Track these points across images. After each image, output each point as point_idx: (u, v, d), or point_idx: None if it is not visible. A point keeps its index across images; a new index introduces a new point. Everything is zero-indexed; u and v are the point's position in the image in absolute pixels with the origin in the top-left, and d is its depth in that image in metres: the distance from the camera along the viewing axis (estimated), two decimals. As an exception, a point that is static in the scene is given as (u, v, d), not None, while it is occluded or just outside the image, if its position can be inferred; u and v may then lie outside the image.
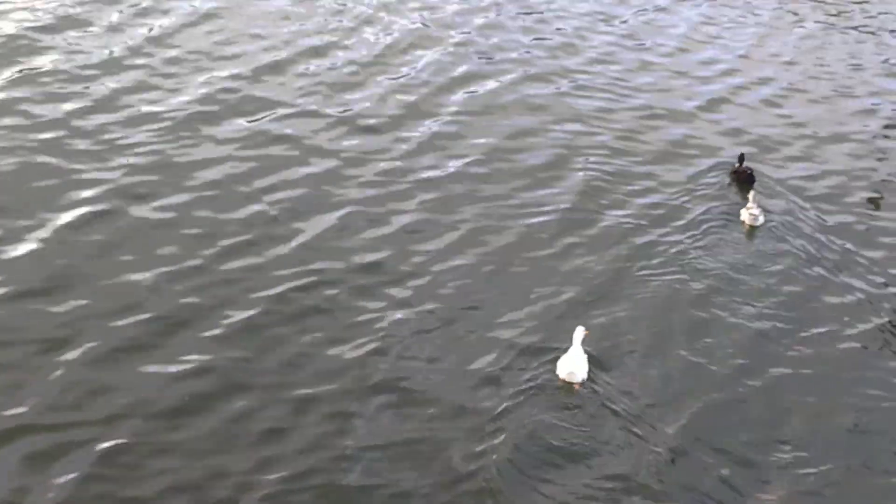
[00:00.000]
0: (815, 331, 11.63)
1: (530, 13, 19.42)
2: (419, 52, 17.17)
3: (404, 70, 16.58)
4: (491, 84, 16.52)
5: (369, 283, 11.59)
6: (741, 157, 14.34)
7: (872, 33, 20.23)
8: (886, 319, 11.92)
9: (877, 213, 14.12)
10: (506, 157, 14.53)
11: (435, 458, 9.43)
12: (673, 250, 12.73)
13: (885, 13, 21.23)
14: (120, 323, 10.58)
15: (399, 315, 11.14)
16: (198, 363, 10.23)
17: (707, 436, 9.97)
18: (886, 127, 16.55)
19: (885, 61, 19.05)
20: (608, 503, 9.17)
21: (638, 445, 9.74)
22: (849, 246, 13.18)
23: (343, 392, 10.07)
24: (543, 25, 19.00)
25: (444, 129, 14.93)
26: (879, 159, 15.60)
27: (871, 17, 21.02)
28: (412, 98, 15.68)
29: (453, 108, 15.52)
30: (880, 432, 10.38)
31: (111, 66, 15.57)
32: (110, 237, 11.82)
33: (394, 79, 16.23)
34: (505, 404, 10.04)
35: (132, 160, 13.27)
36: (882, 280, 12.65)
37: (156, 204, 12.49)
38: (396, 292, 11.50)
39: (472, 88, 16.23)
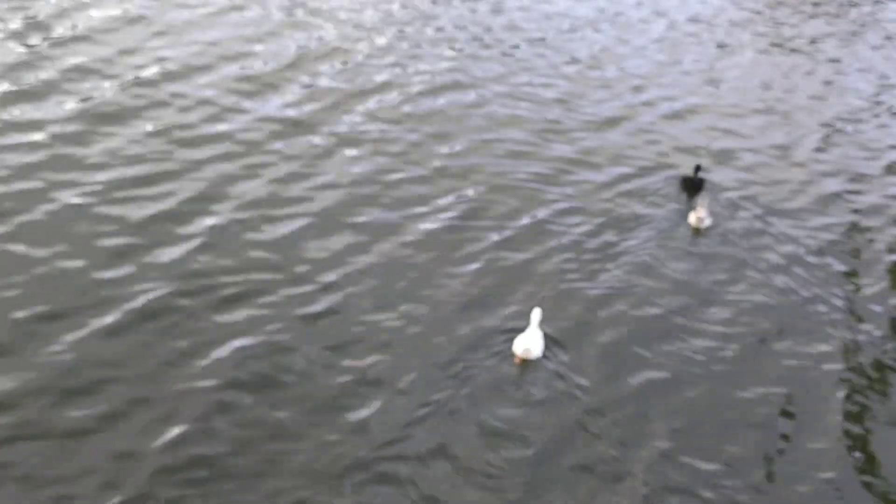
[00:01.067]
0: (749, 326, 12.50)
1: (462, 26, 20.22)
2: (334, 60, 17.91)
3: (317, 77, 17.32)
4: (416, 89, 17.37)
5: (263, 281, 12.14)
6: (697, 168, 15.20)
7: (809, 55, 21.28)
8: (820, 317, 12.81)
9: (816, 221, 14.97)
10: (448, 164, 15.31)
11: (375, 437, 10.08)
12: (618, 249, 13.61)
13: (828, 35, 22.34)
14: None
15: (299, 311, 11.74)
16: (61, 364, 10.51)
17: (651, 416, 10.79)
18: (824, 144, 17.46)
19: (824, 81, 20.09)
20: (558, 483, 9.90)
21: (590, 426, 10.54)
22: (790, 249, 14.09)
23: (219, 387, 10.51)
24: (465, 33, 19.83)
25: (352, 134, 15.56)
26: (822, 173, 16.48)
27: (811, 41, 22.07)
28: (321, 104, 16.37)
29: (363, 115, 16.18)
30: (800, 415, 11.19)
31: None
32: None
33: (305, 86, 16.95)
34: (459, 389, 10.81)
35: (24, 159, 13.75)
36: (816, 280, 13.53)
37: (45, 207, 12.86)
38: (293, 290, 12.02)
39: (391, 94, 16.96)
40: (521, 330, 11.52)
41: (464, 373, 10.95)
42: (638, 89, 18.48)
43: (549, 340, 11.50)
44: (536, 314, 11.38)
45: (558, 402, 10.78)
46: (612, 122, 17.07)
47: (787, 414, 11.15)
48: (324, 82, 17.05)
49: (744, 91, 19.01)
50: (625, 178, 15.42)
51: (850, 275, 13.77)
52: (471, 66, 18.38)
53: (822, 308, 12.94)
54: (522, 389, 10.89)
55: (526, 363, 11.20)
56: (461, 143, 15.73)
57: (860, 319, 12.85)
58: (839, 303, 13.10)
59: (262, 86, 16.67)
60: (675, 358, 11.71)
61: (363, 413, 10.30)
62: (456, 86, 17.61)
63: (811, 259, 13.96)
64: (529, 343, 11.19)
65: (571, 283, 12.79)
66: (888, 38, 22.60)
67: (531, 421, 10.48)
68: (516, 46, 19.54)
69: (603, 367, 11.38)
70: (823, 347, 12.25)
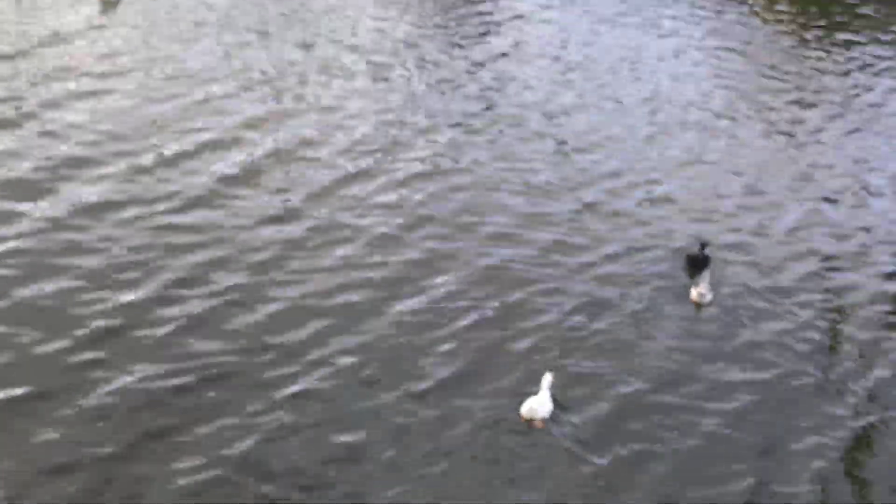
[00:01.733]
0: (736, 401, 13.06)
1: (445, 112, 20.47)
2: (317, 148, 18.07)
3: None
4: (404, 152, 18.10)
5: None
6: (703, 245, 15.69)
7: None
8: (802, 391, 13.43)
9: (801, 298, 15.58)
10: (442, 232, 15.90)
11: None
12: (624, 320, 14.16)
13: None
14: None
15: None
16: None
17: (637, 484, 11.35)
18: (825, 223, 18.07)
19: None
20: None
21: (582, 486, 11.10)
22: (787, 327, 14.65)
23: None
24: (448, 119, 20.07)
25: (335, 221, 15.82)
26: (802, 253, 17.04)
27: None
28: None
29: (345, 203, 16.39)
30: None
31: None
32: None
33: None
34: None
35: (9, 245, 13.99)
36: (799, 356, 14.12)
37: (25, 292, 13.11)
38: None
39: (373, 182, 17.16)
40: (527, 395, 12.04)
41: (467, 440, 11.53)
42: (623, 173, 18.73)
43: (558, 404, 12.02)
44: (547, 378, 11.91)
45: (559, 461, 11.37)
46: (594, 207, 17.33)
47: (763, 485, 11.65)
48: (307, 171, 17.19)
49: (728, 174, 19.47)
50: (614, 258, 15.79)
51: (831, 350, 14.34)
52: (453, 152, 18.64)
53: (803, 381, 13.50)
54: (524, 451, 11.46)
55: (533, 423, 11.72)
56: (446, 228, 16.09)
57: (839, 393, 13.42)
58: (819, 376, 13.69)
59: (244, 174, 16.76)
60: (667, 428, 12.28)
61: (358, 490, 10.76)
62: (437, 172, 17.89)
63: (813, 335, 14.55)
64: (537, 404, 11.71)
65: (574, 351, 13.33)
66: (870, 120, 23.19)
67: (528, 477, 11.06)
68: (500, 132, 19.80)
69: (602, 432, 11.94)
70: (804, 422, 12.80)
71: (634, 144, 20.13)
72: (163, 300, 13.26)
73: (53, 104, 17.92)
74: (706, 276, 14.94)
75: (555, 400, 11.96)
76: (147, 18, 22.40)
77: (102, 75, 19.35)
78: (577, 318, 14.07)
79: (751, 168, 19.73)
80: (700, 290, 14.77)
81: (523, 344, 13.36)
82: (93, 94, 18.58)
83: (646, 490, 11.24)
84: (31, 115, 17.48)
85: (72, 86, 18.66)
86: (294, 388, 12.00)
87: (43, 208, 14.95)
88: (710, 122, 21.74)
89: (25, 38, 20.32)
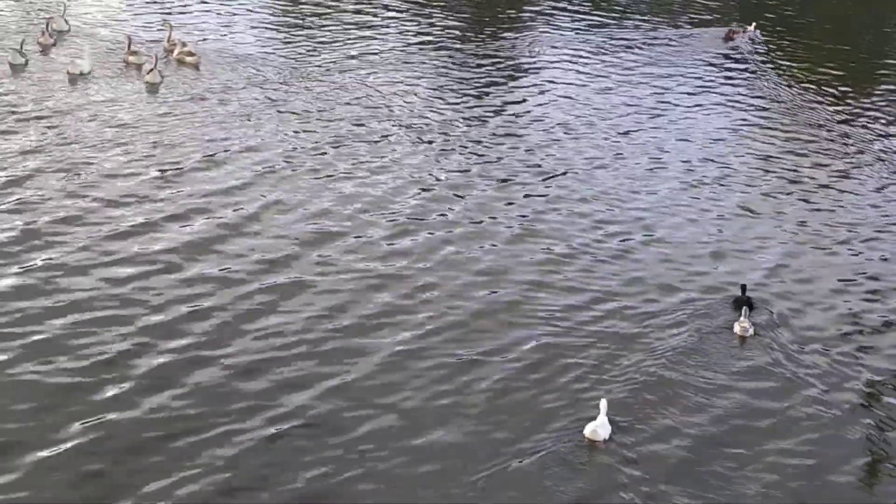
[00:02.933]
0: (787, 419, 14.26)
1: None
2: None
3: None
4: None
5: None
6: (743, 288, 17.03)
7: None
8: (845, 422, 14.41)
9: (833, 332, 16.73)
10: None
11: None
12: (673, 351, 15.50)
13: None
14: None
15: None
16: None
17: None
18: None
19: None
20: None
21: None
22: (823, 361, 15.81)
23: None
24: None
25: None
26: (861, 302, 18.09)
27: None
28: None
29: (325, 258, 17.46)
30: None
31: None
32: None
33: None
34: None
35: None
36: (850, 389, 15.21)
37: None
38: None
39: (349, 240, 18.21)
40: (588, 420, 13.40)
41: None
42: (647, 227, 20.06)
43: (614, 427, 13.37)
44: (603, 404, 13.28)
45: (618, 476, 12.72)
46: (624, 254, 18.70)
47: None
48: (287, 227, 18.35)
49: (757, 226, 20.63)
50: (665, 302, 17.07)
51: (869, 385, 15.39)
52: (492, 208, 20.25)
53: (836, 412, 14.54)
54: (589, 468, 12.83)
55: (596, 443, 13.09)
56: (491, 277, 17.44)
57: (881, 429, 14.38)
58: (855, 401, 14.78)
59: (228, 232, 17.96)
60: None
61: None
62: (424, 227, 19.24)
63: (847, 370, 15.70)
64: (598, 426, 13.09)
65: (632, 378, 14.71)
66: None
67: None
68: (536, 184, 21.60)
69: (654, 452, 13.25)
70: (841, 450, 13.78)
71: (658, 199, 21.49)
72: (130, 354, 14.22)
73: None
74: (747, 312, 16.25)
75: (612, 423, 13.30)
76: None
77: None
78: (628, 353, 15.44)
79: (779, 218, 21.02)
80: (743, 325, 16.08)
81: (574, 376, 14.72)
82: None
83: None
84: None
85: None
86: (284, 428, 13.03)
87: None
88: (744, 176, 23.16)
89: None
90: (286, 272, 16.85)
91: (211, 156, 21.05)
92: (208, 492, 11.86)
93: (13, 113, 22.08)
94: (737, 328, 16.16)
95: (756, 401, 14.58)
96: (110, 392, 13.35)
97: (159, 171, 20.12)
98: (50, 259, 16.48)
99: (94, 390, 13.36)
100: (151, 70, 24.70)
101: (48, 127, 21.62)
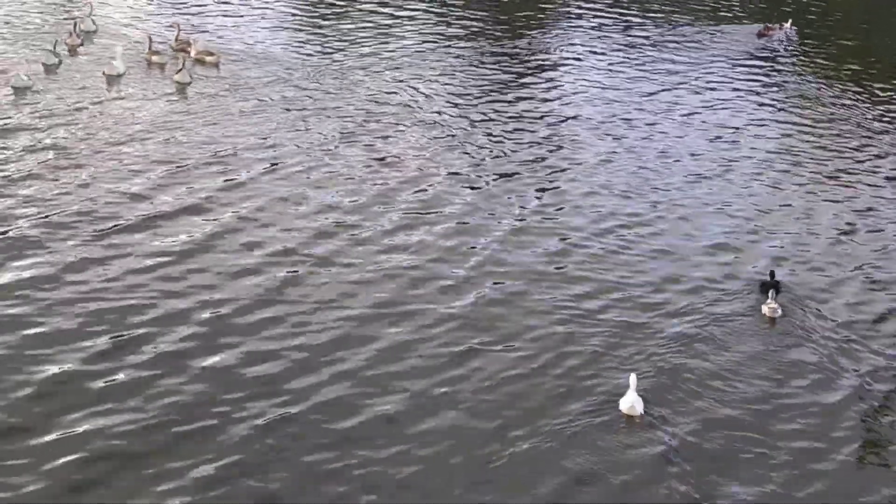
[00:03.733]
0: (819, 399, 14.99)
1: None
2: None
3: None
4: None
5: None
6: (772, 273, 17.81)
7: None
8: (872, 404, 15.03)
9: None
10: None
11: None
12: (701, 331, 16.38)
13: None
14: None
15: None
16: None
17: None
18: None
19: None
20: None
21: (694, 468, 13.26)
22: (852, 337, 16.63)
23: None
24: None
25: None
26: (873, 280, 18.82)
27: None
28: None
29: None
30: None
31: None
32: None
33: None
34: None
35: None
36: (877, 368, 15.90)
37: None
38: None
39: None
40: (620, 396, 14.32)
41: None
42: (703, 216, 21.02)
43: (646, 401, 14.29)
44: (633, 379, 14.23)
45: (655, 449, 13.61)
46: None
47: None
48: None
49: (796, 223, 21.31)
50: (695, 290, 17.87)
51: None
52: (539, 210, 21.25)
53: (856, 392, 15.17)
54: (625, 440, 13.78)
55: (632, 417, 14.08)
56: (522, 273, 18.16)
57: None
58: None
59: (247, 224, 18.74)
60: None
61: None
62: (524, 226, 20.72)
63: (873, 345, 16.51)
64: (634, 400, 14.05)
65: (661, 356, 15.59)
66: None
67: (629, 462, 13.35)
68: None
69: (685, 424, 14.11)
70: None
71: (700, 187, 22.49)
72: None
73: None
74: (774, 294, 17.20)
75: (644, 399, 14.24)
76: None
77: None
78: (657, 334, 16.32)
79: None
80: (771, 306, 17.03)
81: (603, 358, 15.52)
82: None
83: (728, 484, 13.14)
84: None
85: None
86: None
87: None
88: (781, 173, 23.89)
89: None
90: (308, 262, 17.53)
91: (233, 153, 21.87)
92: (211, 477, 12.33)
93: (51, 114, 22.90)
94: (765, 309, 17.02)
95: (785, 377, 15.34)
96: (120, 376, 14.02)
97: (196, 166, 21.00)
98: (88, 244, 17.49)
99: (106, 374, 14.05)
100: (181, 70, 25.50)
101: (86, 126, 22.55)
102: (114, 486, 12.07)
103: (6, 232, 17.73)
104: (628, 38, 34.57)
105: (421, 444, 13.29)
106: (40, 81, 24.59)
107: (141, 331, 15.19)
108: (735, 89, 29.82)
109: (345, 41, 31.46)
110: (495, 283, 17.58)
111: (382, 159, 22.41)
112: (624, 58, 32.02)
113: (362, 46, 30.91)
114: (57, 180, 19.86)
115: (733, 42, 34.84)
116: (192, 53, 27.23)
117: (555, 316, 16.64)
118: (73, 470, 12.30)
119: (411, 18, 35.06)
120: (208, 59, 27.11)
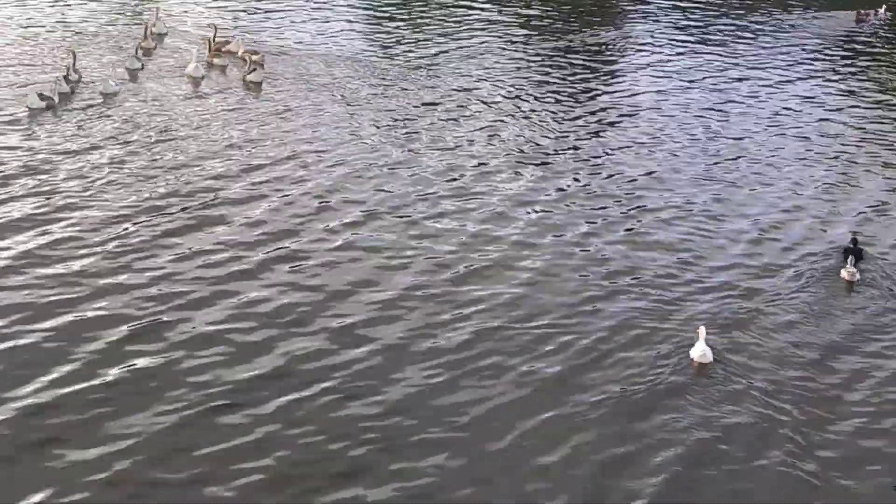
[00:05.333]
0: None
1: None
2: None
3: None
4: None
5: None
6: (854, 240, 17.99)
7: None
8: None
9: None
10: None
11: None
12: (784, 292, 16.66)
13: None
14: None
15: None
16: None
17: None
18: None
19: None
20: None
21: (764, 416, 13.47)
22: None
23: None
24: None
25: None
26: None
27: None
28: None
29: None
30: None
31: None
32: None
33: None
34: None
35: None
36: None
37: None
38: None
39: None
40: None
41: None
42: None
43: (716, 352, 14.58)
44: (702, 330, 14.50)
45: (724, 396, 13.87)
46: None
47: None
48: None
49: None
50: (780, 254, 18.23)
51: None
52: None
53: None
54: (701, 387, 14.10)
55: (702, 366, 14.39)
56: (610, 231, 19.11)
57: None
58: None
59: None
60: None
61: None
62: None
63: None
64: (705, 349, 14.40)
65: (736, 315, 15.92)
66: None
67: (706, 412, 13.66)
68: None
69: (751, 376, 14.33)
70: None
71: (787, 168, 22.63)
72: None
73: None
74: (853, 259, 17.31)
75: (713, 349, 14.53)
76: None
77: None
78: (736, 292, 16.64)
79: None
80: (850, 270, 17.16)
81: (678, 317, 15.83)
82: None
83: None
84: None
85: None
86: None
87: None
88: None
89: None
90: (349, 252, 17.25)
91: (313, 150, 21.77)
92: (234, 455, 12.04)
93: (138, 116, 22.88)
94: (844, 273, 17.19)
95: (859, 337, 15.54)
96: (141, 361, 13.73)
97: (274, 163, 20.90)
98: (139, 232, 17.29)
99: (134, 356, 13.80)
100: (254, 70, 25.93)
101: (182, 123, 22.68)
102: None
103: (123, 223, 17.69)
104: (718, 25, 34.61)
105: (503, 406, 13.38)
106: (125, 86, 24.84)
107: (166, 316, 14.88)
108: (824, 74, 29.88)
109: (411, 39, 31.66)
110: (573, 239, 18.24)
111: (453, 151, 22.16)
112: (708, 47, 32.20)
113: (429, 43, 31.11)
114: (164, 167, 20.15)
115: (828, 27, 34.69)
116: (240, 53, 27.28)
117: (630, 277, 17.03)
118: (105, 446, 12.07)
119: (471, 16, 35.10)
120: (253, 58, 27.02)
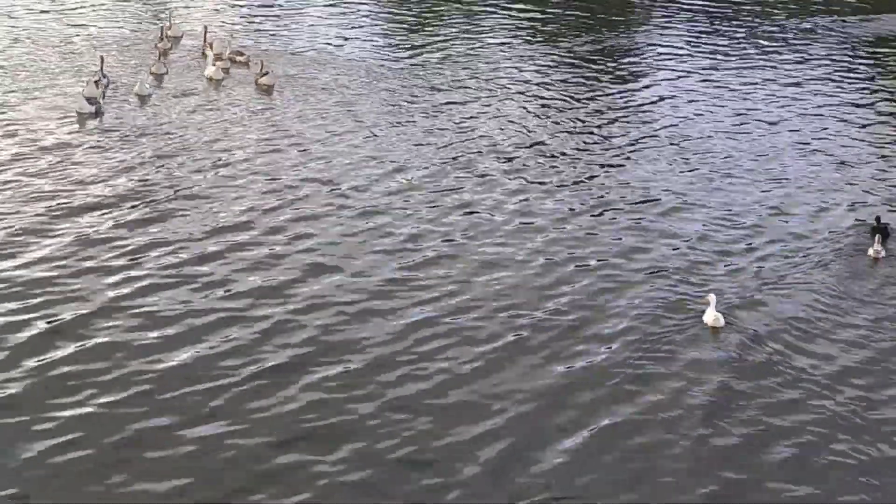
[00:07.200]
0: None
1: None
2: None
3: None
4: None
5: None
6: (878, 219, 17.79)
7: None
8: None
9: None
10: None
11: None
12: (811, 269, 16.49)
13: None
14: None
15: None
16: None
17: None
18: None
19: None
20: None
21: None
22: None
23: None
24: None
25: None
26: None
27: None
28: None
29: None
30: None
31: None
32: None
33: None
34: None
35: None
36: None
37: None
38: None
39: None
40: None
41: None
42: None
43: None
44: (712, 297, 14.43)
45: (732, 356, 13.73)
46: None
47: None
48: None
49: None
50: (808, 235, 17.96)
51: None
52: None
53: None
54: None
55: (716, 330, 14.20)
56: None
57: None
58: None
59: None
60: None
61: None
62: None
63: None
64: (718, 315, 14.24)
65: (763, 286, 15.75)
66: None
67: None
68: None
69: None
70: None
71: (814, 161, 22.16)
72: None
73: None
74: (880, 238, 16.99)
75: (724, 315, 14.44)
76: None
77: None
78: (763, 267, 16.48)
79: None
80: (876, 248, 16.82)
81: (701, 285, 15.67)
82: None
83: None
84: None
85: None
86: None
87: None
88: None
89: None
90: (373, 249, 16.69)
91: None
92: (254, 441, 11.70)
93: (170, 115, 22.65)
94: (870, 251, 16.97)
95: (881, 312, 15.25)
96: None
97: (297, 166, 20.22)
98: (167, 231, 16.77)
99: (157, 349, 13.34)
100: (267, 73, 25.46)
101: (203, 128, 22.04)
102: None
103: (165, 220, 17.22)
104: (743, 30, 34.15)
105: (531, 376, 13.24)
106: (153, 89, 24.36)
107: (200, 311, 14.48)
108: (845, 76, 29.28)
109: (432, 42, 30.90)
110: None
111: (465, 153, 21.30)
112: (733, 52, 31.41)
113: (450, 45, 30.41)
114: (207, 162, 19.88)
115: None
116: (226, 55, 26.67)
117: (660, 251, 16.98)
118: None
119: (502, 14, 34.59)
120: (238, 58, 26.59)
